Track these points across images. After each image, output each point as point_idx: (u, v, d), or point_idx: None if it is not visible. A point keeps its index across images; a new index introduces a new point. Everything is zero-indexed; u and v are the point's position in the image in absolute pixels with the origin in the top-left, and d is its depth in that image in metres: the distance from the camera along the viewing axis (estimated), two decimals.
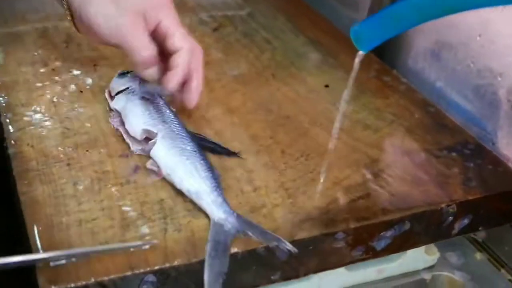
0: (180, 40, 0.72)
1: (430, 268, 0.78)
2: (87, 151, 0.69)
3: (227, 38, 0.96)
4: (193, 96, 0.73)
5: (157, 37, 0.72)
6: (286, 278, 0.64)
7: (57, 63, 0.85)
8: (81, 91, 0.79)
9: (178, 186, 0.65)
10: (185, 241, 0.59)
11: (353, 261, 0.67)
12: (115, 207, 0.62)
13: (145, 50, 0.70)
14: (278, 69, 0.89)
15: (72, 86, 0.80)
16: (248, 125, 0.76)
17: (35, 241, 0.58)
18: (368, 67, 0.90)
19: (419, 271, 0.77)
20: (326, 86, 0.86)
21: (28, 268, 0.56)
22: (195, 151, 0.67)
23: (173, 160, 0.66)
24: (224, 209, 0.62)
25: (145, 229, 0.60)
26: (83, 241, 0.58)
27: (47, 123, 0.73)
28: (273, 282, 0.63)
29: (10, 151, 0.69)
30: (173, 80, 0.71)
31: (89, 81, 0.82)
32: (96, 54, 0.87)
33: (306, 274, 0.65)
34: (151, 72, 0.72)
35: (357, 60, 0.58)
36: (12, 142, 0.70)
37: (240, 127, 0.75)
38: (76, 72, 0.83)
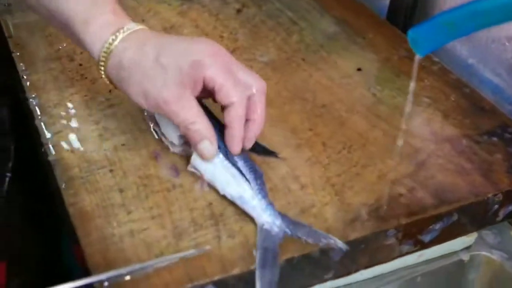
0: (228, 95, 0.63)
1: (468, 248, 0.78)
2: (127, 153, 0.69)
3: (252, 20, 0.93)
4: (246, 143, 0.67)
5: (209, 90, 0.65)
6: (338, 276, 0.64)
7: (84, 56, 0.83)
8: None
9: (221, 191, 0.64)
10: (240, 247, 0.59)
11: (401, 255, 0.67)
12: (165, 214, 0.62)
13: (192, 125, 0.64)
14: (308, 52, 0.87)
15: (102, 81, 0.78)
16: (286, 117, 0.76)
17: (92, 259, 0.58)
18: (398, 46, 0.88)
19: (457, 252, 0.78)
20: (359, 69, 0.84)
21: None
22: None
23: (212, 164, 0.65)
24: (270, 212, 0.61)
25: (198, 237, 0.60)
26: (139, 254, 0.58)
27: (83, 125, 0.72)
28: (326, 281, 0.64)
29: (51, 158, 0.68)
30: (232, 145, 0.65)
31: None
32: None
33: (356, 271, 0.65)
34: (205, 146, 0.64)
35: (415, 65, 0.57)
36: (51, 147, 0.69)
37: (278, 120, 0.74)
38: None
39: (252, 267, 0.58)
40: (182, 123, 0.64)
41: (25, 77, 0.79)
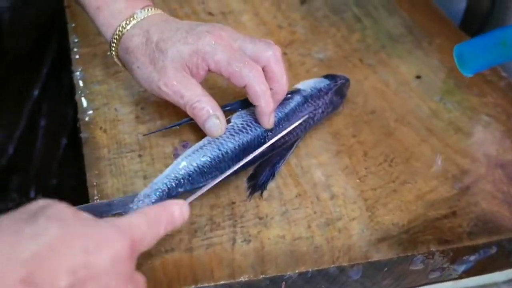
0: (239, 79, 0.63)
1: (510, 281, 0.73)
2: (160, 140, 0.67)
3: (315, 14, 0.90)
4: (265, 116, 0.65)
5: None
6: None
7: None
8: None
9: None
10: (254, 254, 0.57)
11: (429, 283, 0.63)
12: None
13: (199, 103, 0.63)
14: (367, 53, 0.83)
15: None
16: (330, 120, 0.72)
17: None
18: None
19: (499, 283, 0.73)
20: (418, 77, 0.79)
21: None
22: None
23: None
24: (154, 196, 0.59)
25: (213, 237, 0.58)
26: (152, 252, 0.56)
27: (122, 105, 0.71)
28: None
29: (83, 135, 0.67)
30: (263, 120, 0.65)
31: None
32: None
33: None
34: (213, 123, 0.63)
35: None
36: (86, 124, 0.69)
37: (321, 122, 0.71)
38: None
39: (261, 277, 0.55)
40: (188, 103, 0.64)
41: (75, 49, 0.78)
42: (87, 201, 0.61)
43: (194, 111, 0.63)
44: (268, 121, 0.64)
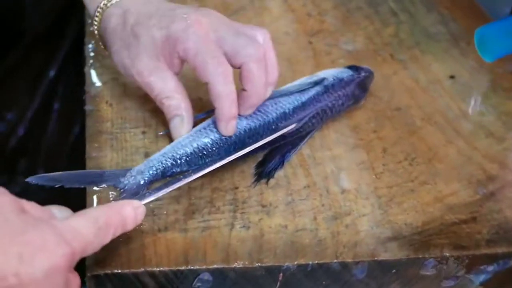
0: (204, 74, 0.61)
1: None
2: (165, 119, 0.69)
3: (348, 4, 0.91)
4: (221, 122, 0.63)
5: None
6: None
7: None
8: None
9: None
10: (252, 241, 0.58)
11: None
12: (184, 188, 0.61)
13: (167, 99, 0.64)
14: (400, 48, 0.84)
15: None
16: (351, 113, 0.73)
17: None
18: (507, 58, 0.82)
19: None
20: (451, 77, 0.80)
21: None
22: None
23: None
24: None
25: (210, 220, 0.59)
26: (142, 225, 0.57)
27: (131, 82, 0.73)
28: None
29: (88, 107, 0.69)
30: (220, 126, 0.63)
31: None
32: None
33: None
34: (175, 124, 0.64)
35: None
36: (92, 97, 0.71)
37: (340, 115, 0.72)
38: None
39: (257, 265, 0.56)
40: (157, 97, 0.64)
41: (90, 21, 0.80)
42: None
43: (163, 107, 0.65)
44: (226, 127, 0.63)
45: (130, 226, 0.52)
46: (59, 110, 1.14)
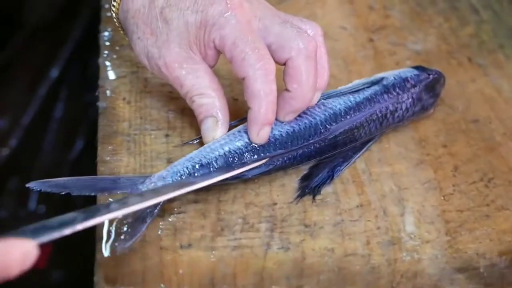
0: (240, 68, 0.64)
1: None
2: (194, 120, 0.72)
3: None
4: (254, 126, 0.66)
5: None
6: None
7: None
8: None
9: None
10: (291, 264, 0.61)
11: None
12: (213, 201, 0.65)
13: (199, 97, 0.67)
14: (480, 51, 0.87)
15: None
16: (417, 124, 0.76)
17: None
18: None
19: None
20: None
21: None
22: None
23: None
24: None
25: (242, 239, 0.63)
26: (162, 242, 0.61)
27: (154, 75, 0.76)
28: None
29: (101, 104, 0.74)
30: (251, 131, 0.66)
31: None
32: None
33: None
34: (208, 126, 0.67)
35: None
36: (107, 92, 0.75)
37: (404, 124, 0.75)
38: None
39: None
40: (187, 94, 0.67)
41: (106, 6, 0.85)
42: None
43: (193, 105, 0.67)
44: (257, 133, 0.66)
45: (14, 272, 0.49)
46: (60, 118, 1.18)
